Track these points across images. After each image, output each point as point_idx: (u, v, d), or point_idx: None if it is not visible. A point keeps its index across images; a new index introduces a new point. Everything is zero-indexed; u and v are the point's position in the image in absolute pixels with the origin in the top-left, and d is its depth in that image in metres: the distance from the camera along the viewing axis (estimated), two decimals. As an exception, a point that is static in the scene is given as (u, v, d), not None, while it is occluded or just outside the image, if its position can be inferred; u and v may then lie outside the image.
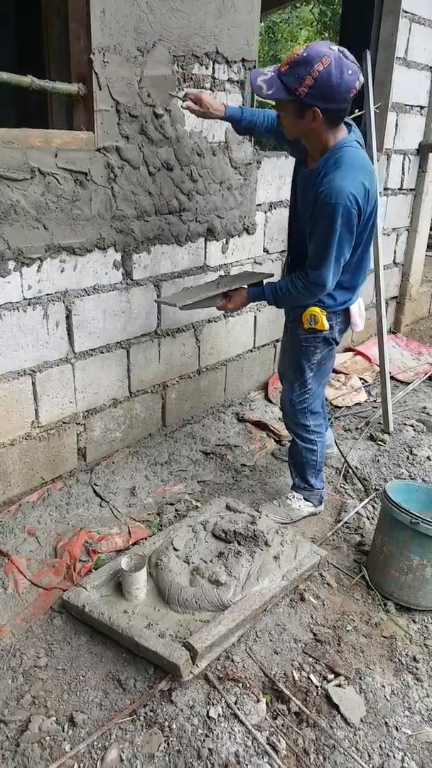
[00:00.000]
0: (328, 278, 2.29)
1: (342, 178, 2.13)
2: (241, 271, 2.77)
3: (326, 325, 2.46)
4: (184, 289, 2.93)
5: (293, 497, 2.87)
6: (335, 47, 2.02)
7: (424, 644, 2.23)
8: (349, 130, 2.29)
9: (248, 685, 1.97)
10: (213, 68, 2.99)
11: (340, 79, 2.00)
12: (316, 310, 2.44)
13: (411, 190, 5.10)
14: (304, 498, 2.86)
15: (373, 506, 2.99)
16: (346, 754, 1.79)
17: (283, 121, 2.25)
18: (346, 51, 2.04)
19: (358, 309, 2.60)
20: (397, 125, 4.59)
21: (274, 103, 2.27)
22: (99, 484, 2.90)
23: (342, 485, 3.18)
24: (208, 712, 1.87)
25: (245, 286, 2.65)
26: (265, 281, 2.63)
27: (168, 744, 1.78)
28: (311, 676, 2.04)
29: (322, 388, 2.77)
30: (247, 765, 1.73)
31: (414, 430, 3.74)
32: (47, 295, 2.59)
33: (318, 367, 2.63)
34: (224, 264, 3.47)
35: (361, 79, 2.07)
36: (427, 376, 4.57)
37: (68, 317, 2.71)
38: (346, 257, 2.30)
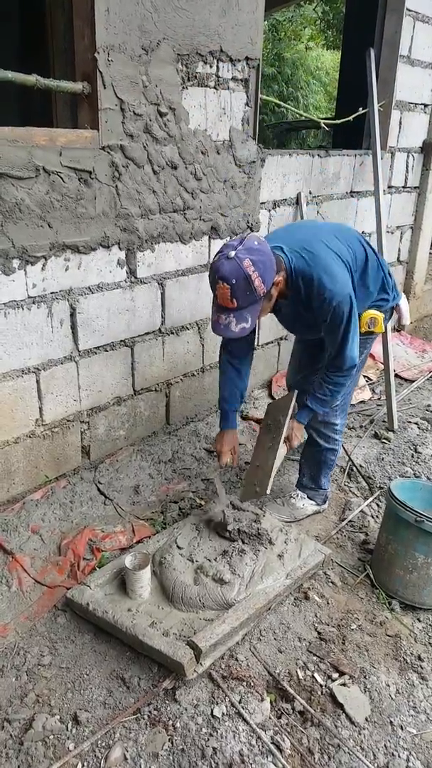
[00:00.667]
0: (354, 353, 2.38)
1: (327, 282, 2.22)
2: (268, 404, 2.71)
3: (384, 328, 2.58)
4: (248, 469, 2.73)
5: (297, 496, 2.87)
6: (231, 252, 2.05)
7: (429, 643, 2.22)
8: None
9: (252, 684, 1.97)
10: (217, 67, 2.99)
11: (260, 254, 2.07)
12: (376, 313, 2.55)
13: (415, 188, 5.09)
14: (309, 497, 2.85)
15: (378, 504, 2.99)
16: (350, 753, 1.79)
17: (261, 317, 2.31)
18: (227, 247, 2.10)
19: (405, 303, 2.74)
20: (401, 123, 4.58)
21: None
22: (103, 482, 2.90)
23: (346, 483, 3.18)
24: (212, 710, 1.87)
25: (292, 419, 2.57)
26: (302, 398, 2.61)
27: (172, 743, 1.78)
28: (316, 675, 2.04)
29: (354, 387, 2.82)
30: (251, 764, 1.73)
31: (418, 428, 3.73)
32: (52, 293, 2.59)
33: (360, 366, 2.70)
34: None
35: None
36: (432, 374, 4.56)
37: (72, 315, 2.71)
38: (356, 332, 2.38)
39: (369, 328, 2.57)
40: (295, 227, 2.52)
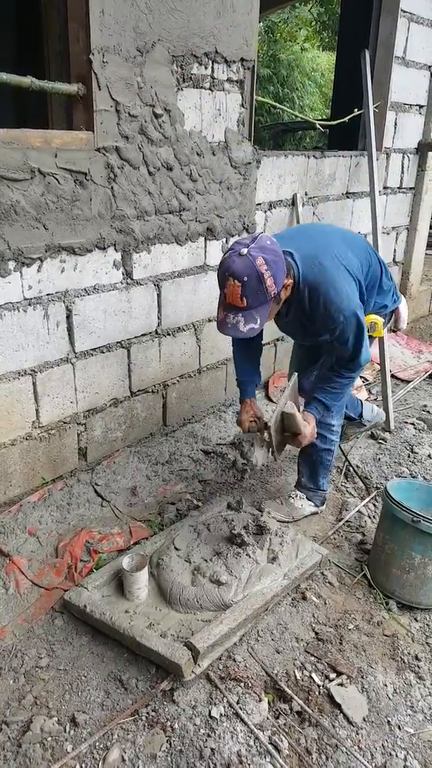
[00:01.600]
0: (368, 356, 2.42)
1: (334, 299, 2.22)
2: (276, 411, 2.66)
3: (383, 333, 2.61)
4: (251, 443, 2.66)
5: (296, 496, 2.87)
6: (243, 249, 2.03)
7: (426, 643, 2.22)
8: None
9: (250, 685, 1.97)
10: (212, 68, 2.99)
11: (273, 253, 2.05)
12: (376, 318, 2.57)
13: (410, 188, 5.11)
14: (307, 498, 2.85)
15: (375, 505, 2.99)
16: (348, 753, 1.79)
17: (270, 319, 2.29)
18: (238, 244, 2.08)
19: (404, 307, 2.77)
20: (396, 124, 4.60)
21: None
22: (100, 484, 2.90)
23: (343, 484, 3.18)
24: (210, 711, 1.87)
25: (301, 412, 2.52)
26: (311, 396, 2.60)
27: (170, 744, 1.78)
28: (313, 675, 2.04)
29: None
30: (249, 764, 1.73)
31: (415, 428, 3.74)
32: (47, 295, 2.59)
33: None
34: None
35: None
36: (428, 374, 4.57)
37: (69, 317, 2.71)
38: (367, 341, 2.40)
39: (369, 332, 2.57)
40: (307, 233, 2.48)
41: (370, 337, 2.62)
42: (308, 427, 2.49)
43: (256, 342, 2.67)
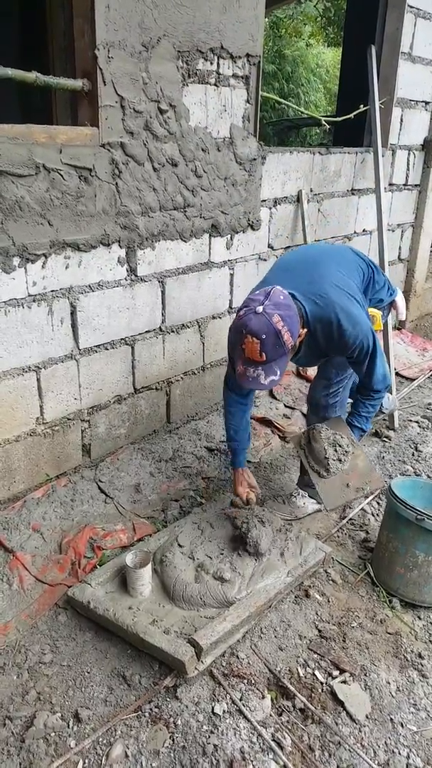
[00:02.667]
0: (386, 372, 2.46)
1: (345, 324, 2.24)
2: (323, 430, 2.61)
3: (381, 325, 2.62)
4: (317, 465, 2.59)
5: (299, 494, 2.87)
6: (258, 308, 2.05)
7: (430, 641, 2.22)
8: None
9: (253, 682, 1.98)
10: (218, 64, 2.98)
11: (287, 308, 2.08)
12: (374, 311, 2.59)
13: (416, 185, 5.08)
14: (309, 495, 2.85)
15: (378, 503, 2.99)
16: (351, 750, 1.79)
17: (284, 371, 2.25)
18: (252, 302, 2.09)
19: (401, 300, 2.81)
20: (402, 120, 4.57)
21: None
22: (104, 481, 2.90)
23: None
24: (213, 708, 1.87)
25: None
26: (346, 419, 2.65)
27: (173, 740, 1.78)
28: (316, 672, 2.04)
29: (351, 382, 2.86)
30: (252, 761, 1.73)
31: (419, 426, 3.73)
32: (52, 291, 2.59)
33: None
34: (229, 260, 3.46)
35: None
36: (432, 372, 4.56)
37: (73, 313, 2.71)
38: (382, 353, 2.44)
39: None
40: (300, 268, 2.45)
41: None
42: (379, 478, 2.60)
43: (252, 394, 2.68)
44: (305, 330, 2.24)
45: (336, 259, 2.52)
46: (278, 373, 2.12)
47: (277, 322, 2.03)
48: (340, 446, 2.50)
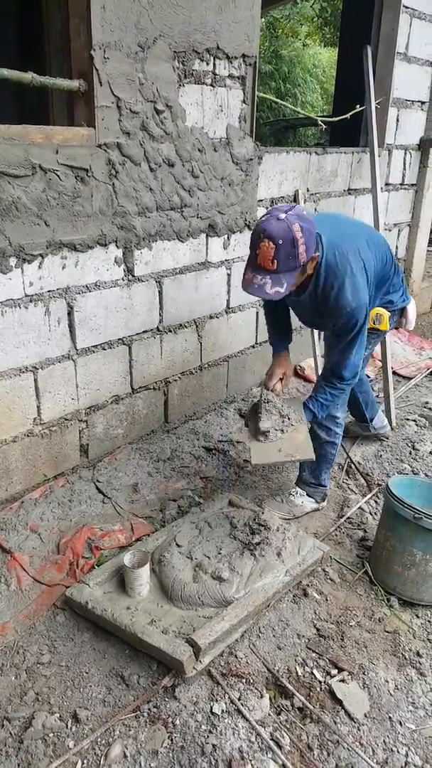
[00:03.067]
0: (357, 363, 2.45)
1: (344, 287, 2.28)
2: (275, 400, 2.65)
3: (389, 327, 2.65)
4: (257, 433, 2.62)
5: (296, 493, 2.86)
6: (281, 215, 2.09)
7: (428, 639, 2.22)
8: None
9: (252, 681, 1.98)
10: (214, 64, 2.98)
11: (308, 223, 2.12)
12: (382, 311, 2.61)
13: (412, 185, 5.09)
14: (308, 494, 2.85)
15: (376, 502, 2.99)
16: (350, 749, 1.79)
17: (291, 289, 2.25)
18: (276, 210, 2.13)
19: (413, 308, 2.81)
20: (398, 120, 4.58)
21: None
22: (101, 481, 2.90)
23: (345, 481, 3.18)
24: (211, 708, 1.87)
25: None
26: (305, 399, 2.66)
27: (172, 740, 1.78)
28: (315, 671, 2.04)
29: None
30: (251, 760, 1.73)
31: (416, 425, 3.73)
32: (49, 291, 2.59)
33: (365, 362, 2.78)
34: (226, 260, 3.46)
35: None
36: (429, 371, 4.56)
37: (70, 314, 2.71)
38: (364, 341, 2.44)
39: (374, 324, 2.62)
40: (337, 222, 2.53)
41: (376, 330, 2.65)
42: (309, 448, 2.53)
43: (285, 305, 2.71)
44: (317, 257, 2.23)
45: (370, 237, 2.54)
46: (284, 286, 2.14)
47: (296, 231, 2.05)
48: (287, 419, 2.54)
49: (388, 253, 2.63)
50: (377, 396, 4.08)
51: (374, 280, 2.47)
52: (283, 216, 2.07)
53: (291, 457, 2.50)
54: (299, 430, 2.54)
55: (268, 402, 2.55)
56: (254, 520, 2.52)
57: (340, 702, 1.94)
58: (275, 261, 2.07)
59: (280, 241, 2.04)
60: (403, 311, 2.80)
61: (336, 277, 2.28)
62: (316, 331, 3.92)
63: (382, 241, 2.65)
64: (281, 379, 2.71)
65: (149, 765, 1.72)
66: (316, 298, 2.38)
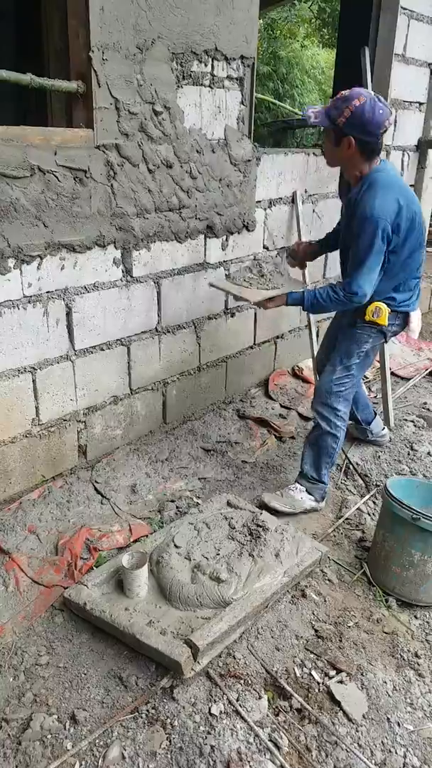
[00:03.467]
0: (364, 286, 2.51)
1: (375, 197, 2.45)
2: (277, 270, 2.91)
3: (387, 321, 2.69)
4: (227, 277, 3.03)
5: (296, 488, 2.87)
6: (372, 92, 2.45)
7: (426, 640, 2.23)
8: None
9: (250, 682, 1.98)
10: (212, 65, 2.98)
11: (372, 115, 2.39)
12: (382, 305, 2.67)
13: (410, 186, 5.09)
14: (307, 491, 2.86)
15: (374, 502, 2.99)
16: (348, 750, 1.79)
17: (325, 150, 2.65)
18: (380, 96, 2.45)
19: (417, 317, 2.85)
20: (396, 122, 4.58)
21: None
22: (100, 482, 2.90)
23: (343, 481, 3.18)
24: (209, 709, 1.87)
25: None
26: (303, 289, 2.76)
27: (170, 741, 1.78)
28: (313, 672, 2.04)
29: (359, 380, 2.95)
30: (249, 762, 1.73)
31: (414, 425, 3.74)
32: (47, 292, 2.59)
33: (365, 357, 2.85)
34: (224, 261, 3.46)
35: (391, 119, 2.48)
36: (428, 371, 4.57)
37: (68, 315, 2.71)
38: (378, 268, 2.52)
39: (373, 317, 2.67)
40: (406, 187, 2.68)
41: (375, 324, 2.71)
42: (269, 303, 2.74)
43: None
44: (354, 145, 2.46)
45: (418, 223, 2.61)
46: (318, 121, 2.49)
47: (355, 102, 2.39)
48: (266, 280, 2.74)
49: (417, 253, 2.68)
50: (375, 397, 4.09)
51: (398, 242, 2.53)
52: (372, 92, 2.44)
53: (238, 293, 2.71)
54: (279, 289, 2.73)
55: (264, 261, 2.76)
56: (252, 521, 2.52)
57: (338, 703, 1.94)
58: (332, 102, 2.48)
59: (347, 93, 2.43)
60: (406, 317, 2.82)
61: (376, 188, 2.47)
62: (314, 332, 3.92)
63: (421, 236, 2.69)
64: (303, 257, 3.08)
65: (147, 766, 1.72)
66: (355, 207, 2.52)
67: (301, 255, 3.12)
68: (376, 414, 3.46)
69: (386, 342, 2.96)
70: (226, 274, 3.07)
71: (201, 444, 3.34)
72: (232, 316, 3.66)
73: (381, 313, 2.66)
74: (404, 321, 2.82)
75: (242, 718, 1.85)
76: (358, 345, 2.77)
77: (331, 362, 2.84)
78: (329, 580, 2.46)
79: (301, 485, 2.88)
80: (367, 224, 2.44)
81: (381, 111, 2.39)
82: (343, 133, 2.45)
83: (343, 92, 2.46)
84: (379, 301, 2.66)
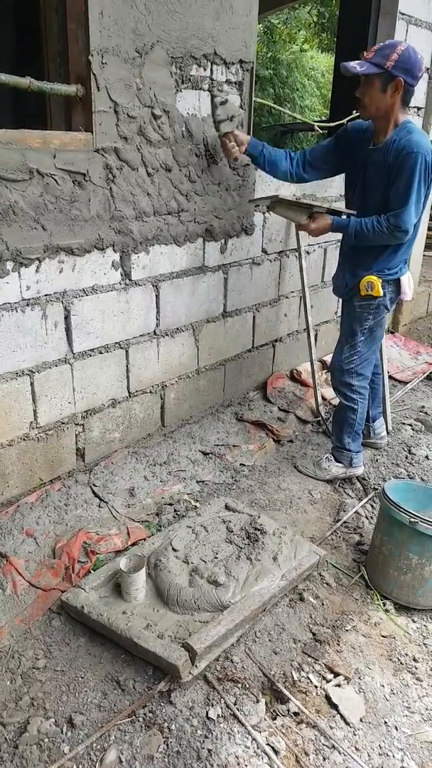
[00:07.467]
0: (409, 221, 2.64)
1: (420, 136, 2.63)
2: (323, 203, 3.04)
3: (381, 292, 2.82)
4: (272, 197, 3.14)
5: (325, 458, 3.16)
6: (405, 44, 2.59)
7: (423, 643, 2.23)
8: None
9: (247, 686, 1.97)
10: (211, 69, 2.99)
11: (416, 58, 2.56)
12: (373, 278, 2.81)
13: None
14: (335, 459, 3.11)
15: (372, 506, 3.00)
16: (345, 754, 1.79)
17: (365, 100, 2.69)
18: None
19: (407, 280, 2.96)
20: (395, 126, 4.59)
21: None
22: (98, 485, 2.90)
23: (341, 485, 3.18)
24: (207, 712, 1.87)
25: (330, 214, 2.92)
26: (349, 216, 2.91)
27: (167, 745, 1.78)
28: (310, 676, 2.04)
29: (371, 354, 3.10)
30: (246, 765, 1.73)
31: (412, 429, 3.74)
32: (46, 295, 2.59)
33: (369, 333, 2.99)
34: (223, 264, 3.47)
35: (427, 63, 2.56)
36: (425, 375, 4.58)
37: (67, 318, 2.71)
38: (423, 203, 2.68)
39: (367, 291, 2.82)
40: None
41: (371, 297, 2.84)
42: (313, 223, 2.90)
43: (296, 166, 3.09)
44: (400, 88, 2.59)
45: None
46: (363, 69, 2.57)
47: (402, 47, 2.53)
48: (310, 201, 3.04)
49: (419, 222, 2.77)
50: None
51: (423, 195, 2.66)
52: (405, 43, 2.57)
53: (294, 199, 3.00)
54: (312, 211, 2.90)
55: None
56: (251, 524, 2.52)
57: (335, 707, 1.94)
58: (373, 52, 2.56)
59: (388, 42, 2.57)
60: (397, 283, 2.92)
61: (414, 131, 2.65)
62: (312, 335, 3.93)
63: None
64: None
65: (144, 770, 1.72)
66: (387, 158, 2.65)
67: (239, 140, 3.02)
68: (381, 415, 3.51)
69: (388, 312, 3.04)
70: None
71: (199, 447, 3.34)
72: (230, 319, 3.66)
73: (374, 286, 2.80)
74: (396, 287, 2.94)
75: (240, 721, 1.85)
76: (360, 323, 2.95)
77: (339, 342, 3.08)
78: (327, 583, 2.46)
79: (331, 454, 3.16)
80: (411, 158, 2.56)
81: (420, 55, 2.56)
82: (391, 77, 2.56)
83: (378, 44, 2.60)
84: (373, 275, 2.80)
